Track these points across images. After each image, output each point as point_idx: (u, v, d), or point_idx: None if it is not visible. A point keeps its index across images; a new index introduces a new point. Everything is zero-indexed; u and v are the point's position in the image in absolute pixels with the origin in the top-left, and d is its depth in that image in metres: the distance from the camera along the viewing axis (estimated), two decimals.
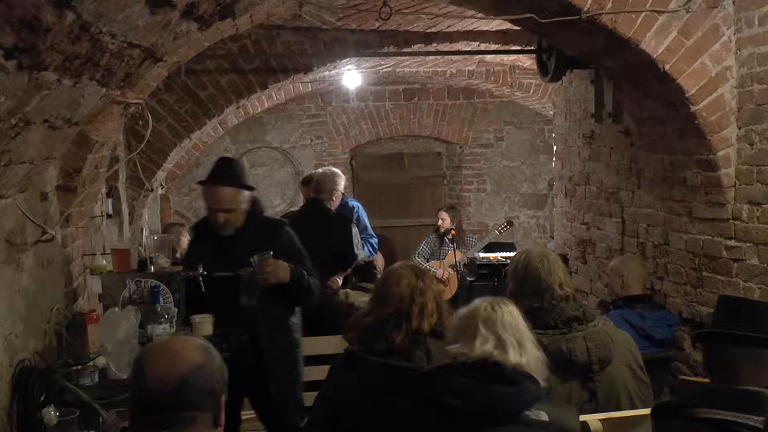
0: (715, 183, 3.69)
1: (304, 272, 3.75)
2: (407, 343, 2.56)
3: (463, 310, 2.37)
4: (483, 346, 2.22)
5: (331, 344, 4.12)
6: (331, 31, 5.73)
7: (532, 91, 8.10)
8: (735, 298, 3.02)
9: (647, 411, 2.42)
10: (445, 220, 7.76)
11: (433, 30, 5.76)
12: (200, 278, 3.66)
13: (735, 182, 3.63)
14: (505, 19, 4.12)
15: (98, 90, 2.21)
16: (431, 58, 6.68)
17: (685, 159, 3.87)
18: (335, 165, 8.01)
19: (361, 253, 5.70)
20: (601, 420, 2.64)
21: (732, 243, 3.68)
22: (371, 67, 7.27)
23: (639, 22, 3.42)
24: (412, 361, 2.56)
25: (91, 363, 3.14)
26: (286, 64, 5.90)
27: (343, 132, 9.36)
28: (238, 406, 3.86)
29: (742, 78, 3.53)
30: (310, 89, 8.40)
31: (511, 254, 6.80)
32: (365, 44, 5.81)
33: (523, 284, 2.96)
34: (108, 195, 4.74)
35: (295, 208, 7.05)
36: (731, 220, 3.67)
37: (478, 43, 5.96)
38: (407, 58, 6.53)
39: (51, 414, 2.68)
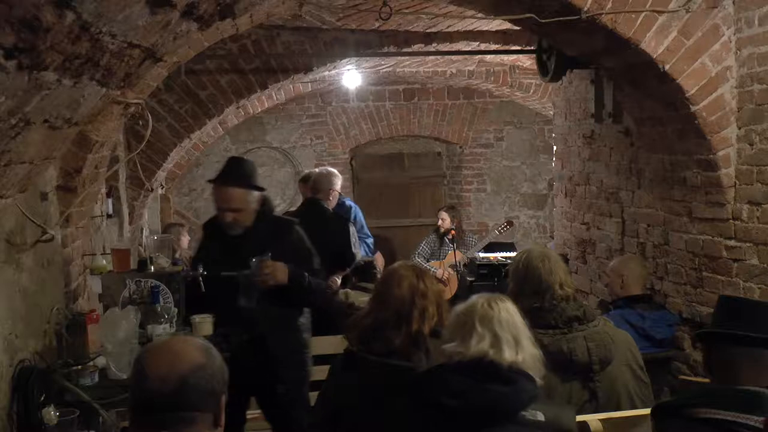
0: (715, 183, 3.69)
1: (305, 273, 3.74)
2: (407, 345, 2.56)
3: (459, 307, 2.36)
4: (479, 344, 2.21)
5: (332, 344, 4.12)
6: (331, 31, 5.73)
7: (532, 91, 8.10)
8: (735, 298, 3.02)
9: (647, 411, 2.42)
10: (445, 220, 7.75)
11: (433, 30, 5.76)
12: (200, 278, 3.67)
13: (735, 182, 3.63)
14: (505, 19, 4.12)
15: (98, 90, 2.21)
16: (431, 58, 6.68)
17: (685, 159, 3.87)
18: (335, 165, 8.02)
19: (359, 252, 5.70)
20: (601, 420, 2.65)
21: (732, 243, 3.68)
22: (371, 67, 7.27)
23: (639, 22, 3.42)
24: (412, 361, 2.55)
25: (91, 363, 3.14)
26: (286, 64, 5.89)
27: (343, 132, 9.36)
28: (242, 406, 3.86)
29: (742, 78, 3.53)
30: (310, 89, 8.40)
31: (511, 254, 6.82)
32: (365, 44, 5.81)
33: (523, 284, 2.96)
34: (108, 195, 4.74)
35: (293, 208, 7.05)
36: (731, 220, 3.67)
37: (478, 43, 5.96)
38: (407, 58, 6.52)
39: (51, 414, 2.67)
